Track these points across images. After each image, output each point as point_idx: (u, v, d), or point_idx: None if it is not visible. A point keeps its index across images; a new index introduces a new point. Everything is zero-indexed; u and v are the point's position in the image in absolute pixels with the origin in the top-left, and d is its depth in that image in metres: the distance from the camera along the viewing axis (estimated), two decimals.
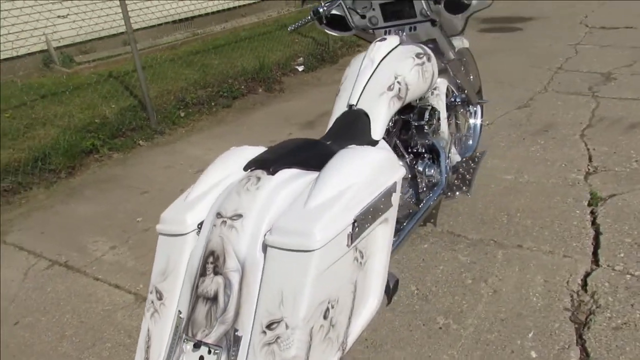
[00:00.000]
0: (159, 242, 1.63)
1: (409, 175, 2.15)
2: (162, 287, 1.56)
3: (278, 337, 1.32)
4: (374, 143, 1.98)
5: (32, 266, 2.46)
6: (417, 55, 2.19)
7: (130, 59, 5.62)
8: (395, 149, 2.23)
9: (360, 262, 1.57)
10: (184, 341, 1.49)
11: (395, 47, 2.25)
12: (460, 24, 2.41)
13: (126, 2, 5.81)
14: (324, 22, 2.45)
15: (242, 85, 5.03)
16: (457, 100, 2.85)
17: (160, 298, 1.56)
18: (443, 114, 2.58)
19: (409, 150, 2.33)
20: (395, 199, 1.66)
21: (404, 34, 2.34)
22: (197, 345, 1.44)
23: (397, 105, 2.09)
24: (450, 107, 2.89)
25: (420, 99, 2.51)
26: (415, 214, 2.16)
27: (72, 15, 5.20)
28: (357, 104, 2.09)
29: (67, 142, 3.50)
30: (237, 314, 1.42)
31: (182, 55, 5.67)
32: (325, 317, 1.41)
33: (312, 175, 1.60)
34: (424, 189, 2.28)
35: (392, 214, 1.66)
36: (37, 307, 2.16)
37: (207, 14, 7.06)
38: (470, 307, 1.94)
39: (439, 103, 2.58)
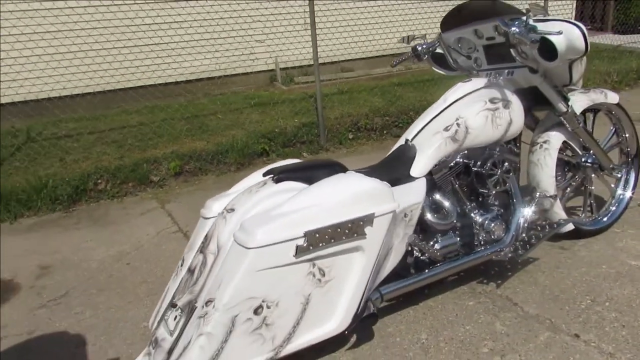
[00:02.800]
0: (198, 222, 2.00)
1: (451, 222, 2.02)
2: (186, 256, 1.91)
3: (206, 314, 1.53)
4: (409, 179, 1.96)
5: (165, 229, 3.13)
6: (492, 100, 2.07)
7: (339, 83, 6.30)
8: (454, 192, 2.12)
9: (319, 279, 1.64)
10: (173, 300, 1.81)
11: (478, 89, 2.16)
12: (566, 74, 2.15)
13: (349, 34, 6.57)
14: (424, 58, 2.48)
15: None
16: (587, 161, 2.50)
17: (182, 265, 1.91)
18: (547, 171, 2.33)
19: (479, 198, 2.17)
20: (373, 231, 1.66)
21: (501, 78, 2.22)
22: (174, 306, 1.74)
23: (451, 147, 2.02)
24: (577, 168, 2.54)
25: (508, 148, 2.31)
26: (452, 262, 2.03)
27: (291, 44, 6.13)
28: (412, 139, 2.10)
29: (243, 143, 4.23)
30: (201, 288, 1.67)
31: (385, 85, 6.06)
32: (256, 313, 1.55)
33: None
34: (481, 241, 2.11)
35: (368, 245, 1.67)
36: (148, 257, 2.77)
37: None
38: None
39: (546, 158, 2.35)
